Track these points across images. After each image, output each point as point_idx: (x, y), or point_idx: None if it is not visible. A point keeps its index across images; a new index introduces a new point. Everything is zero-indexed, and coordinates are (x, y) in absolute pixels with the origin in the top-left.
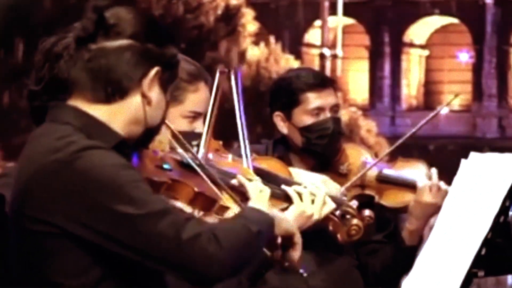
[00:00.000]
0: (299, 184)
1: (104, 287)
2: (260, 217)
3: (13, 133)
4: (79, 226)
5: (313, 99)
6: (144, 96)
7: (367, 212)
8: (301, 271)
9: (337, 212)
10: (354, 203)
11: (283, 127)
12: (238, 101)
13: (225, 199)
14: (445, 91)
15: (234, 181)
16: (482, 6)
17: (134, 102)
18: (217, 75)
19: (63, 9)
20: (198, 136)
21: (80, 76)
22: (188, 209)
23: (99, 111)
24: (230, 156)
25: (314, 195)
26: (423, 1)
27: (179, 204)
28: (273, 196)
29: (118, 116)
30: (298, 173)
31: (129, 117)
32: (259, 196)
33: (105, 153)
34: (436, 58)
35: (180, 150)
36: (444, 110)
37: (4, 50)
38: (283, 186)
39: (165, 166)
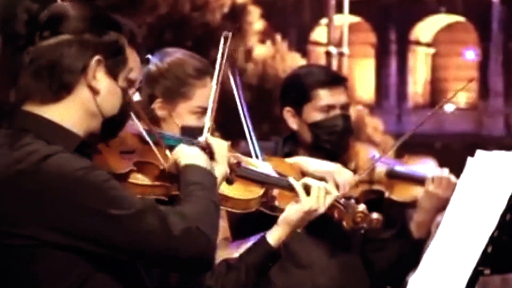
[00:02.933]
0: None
1: (90, 286)
2: (212, 179)
3: None
4: (58, 234)
5: (324, 97)
6: (90, 87)
7: (375, 215)
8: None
9: (342, 200)
10: (362, 207)
11: (293, 122)
12: (241, 103)
13: None
14: (451, 89)
15: (200, 140)
16: (489, 4)
17: (82, 95)
18: (221, 40)
19: None
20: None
21: (26, 80)
22: None
23: (51, 112)
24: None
25: (318, 187)
26: None
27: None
28: (277, 185)
29: (71, 112)
30: (312, 162)
31: (81, 111)
32: (223, 155)
33: (69, 158)
34: (442, 56)
35: (137, 123)
36: (450, 108)
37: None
38: (291, 180)
39: (127, 149)
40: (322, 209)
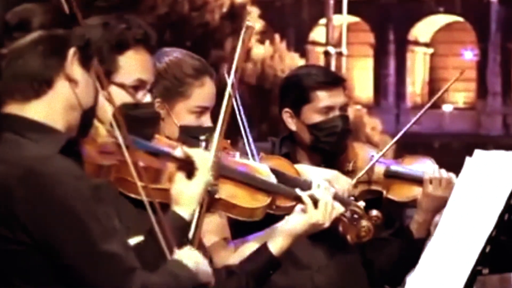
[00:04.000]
0: (309, 183)
1: None
2: (188, 275)
3: None
4: (38, 240)
5: (323, 98)
6: (69, 79)
7: (374, 212)
8: None
9: (347, 213)
10: (362, 204)
11: (291, 123)
12: (238, 106)
13: (171, 168)
14: (450, 88)
15: (178, 153)
16: (487, 4)
17: (62, 88)
18: (243, 29)
19: (69, 9)
20: (206, 130)
21: (5, 82)
22: None
23: (34, 110)
24: (237, 154)
25: (325, 201)
26: None
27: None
28: (283, 195)
29: (53, 107)
30: (309, 169)
31: (63, 105)
32: (204, 165)
33: (64, 163)
34: (440, 56)
35: (116, 131)
36: (448, 107)
37: None
38: (298, 191)
39: (107, 150)
40: (327, 224)
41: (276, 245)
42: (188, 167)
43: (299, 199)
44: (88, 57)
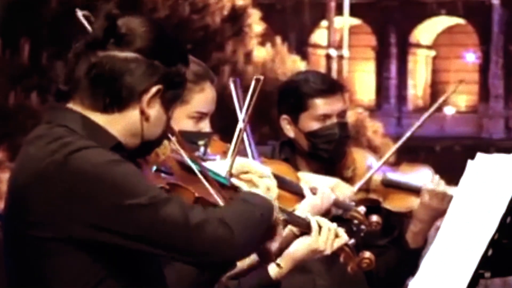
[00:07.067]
0: (306, 188)
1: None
2: (262, 201)
3: (19, 134)
4: (84, 227)
5: (321, 106)
6: (142, 112)
7: (374, 218)
8: (277, 261)
9: (350, 242)
10: (362, 209)
11: (289, 130)
12: (241, 110)
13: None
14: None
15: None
16: (489, 7)
17: (131, 116)
18: (253, 82)
19: (70, 10)
20: (205, 136)
21: (82, 80)
22: None
23: (96, 118)
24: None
25: (329, 228)
26: (429, 1)
27: None
28: (295, 224)
29: (114, 126)
30: (311, 178)
31: (125, 128)
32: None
33: (99, 151)
34: (442, 59)
35: (182, 152)
36: (450, 110)
37: (10, 50)
38: (308, 216)
39: (166, 169)
40: (328, 251)
41: (275, 269)
42: None
43: (308, 227)
44: (173, 98)
